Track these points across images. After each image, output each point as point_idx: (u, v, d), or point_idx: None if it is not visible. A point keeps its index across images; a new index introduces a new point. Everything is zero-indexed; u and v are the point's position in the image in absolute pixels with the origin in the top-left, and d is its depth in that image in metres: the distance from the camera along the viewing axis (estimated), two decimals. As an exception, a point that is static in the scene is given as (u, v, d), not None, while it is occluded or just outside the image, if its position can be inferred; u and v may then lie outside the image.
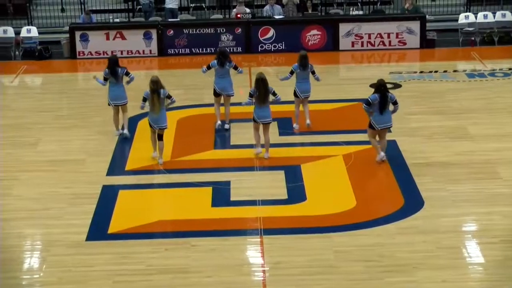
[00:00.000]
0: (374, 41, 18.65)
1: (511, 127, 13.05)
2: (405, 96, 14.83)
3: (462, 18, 19.31)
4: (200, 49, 18.39)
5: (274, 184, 11.02)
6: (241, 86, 14.14)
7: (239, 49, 18.41)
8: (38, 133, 13.39)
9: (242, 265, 8.98)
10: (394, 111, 11.62)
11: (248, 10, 19.21)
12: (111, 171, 11.63)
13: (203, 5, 20.75)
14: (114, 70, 12.78)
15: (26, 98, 15.89)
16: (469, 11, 20.00)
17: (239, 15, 18.97)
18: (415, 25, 18.59)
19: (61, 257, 9.12)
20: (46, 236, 9.70)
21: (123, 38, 18.34)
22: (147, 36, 18.58)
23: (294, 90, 12.85)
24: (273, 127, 12.55)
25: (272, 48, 18.56)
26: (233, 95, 13.20)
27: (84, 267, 8.89)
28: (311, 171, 11.42)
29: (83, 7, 20.28)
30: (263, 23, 18.75)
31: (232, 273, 8.72)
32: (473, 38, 18.98)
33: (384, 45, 18.66)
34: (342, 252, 9.08)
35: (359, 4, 20.58)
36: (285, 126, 13.14)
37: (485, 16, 19.25)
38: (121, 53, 17.99)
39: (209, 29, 17.78)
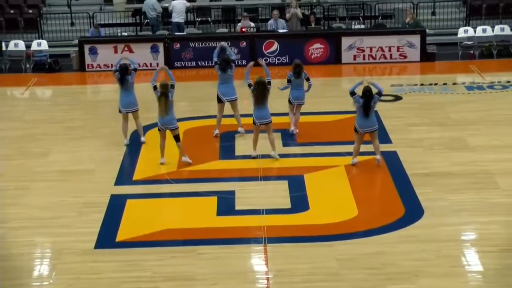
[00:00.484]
0: (376, 54, 18.82)
1: (510, 138, 13.11)
2: (406, 108, 14.97)
3: (461, 32, 19.43)
4: (206, 62, 18.50)
5: (278, 194, 11.11)
6: (246, 98, 14.32)
7: (244, 62, 18.58)
8: (49, 143, 13.48)
9: (246, 273, 9.05)
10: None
11: (252, 24, 19.39)
12: (119, 181, 11.74)
13: (209, 19, 20.94)
14: (123, 78, 12.96)
15: (37, 109, 15.99)
16: (468, 25, 20.12)
17: (244, 29, 19.15)
18: (416, 39, 18.71)
19: (70, 264, 9.20)
20: (56, 244, 9.73)
21: (130, 51, 18.45)
22: (154, 49, 18.77)
23: (288, 97, 13.25)
24: (277, 139, 12.72)
25: (276, 61, 18.77)
26: (236, 100, 13.33)
27: (93, 275, 8.98)
28: (314, 181, 11.52)
29: (92, 21, 20.50)
30: (267, 37, 18.95)
31: (236, 281, 8.80)
32: (472, 52, 19.07)
33: (386, 58, 18.81)
34: (345, 260, 9.12)
35: (361, 18, 20.70)
36: (288, 137, 13.31)
37: (484, 30, 19.36)
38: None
39: (215, 43, 17.98)
